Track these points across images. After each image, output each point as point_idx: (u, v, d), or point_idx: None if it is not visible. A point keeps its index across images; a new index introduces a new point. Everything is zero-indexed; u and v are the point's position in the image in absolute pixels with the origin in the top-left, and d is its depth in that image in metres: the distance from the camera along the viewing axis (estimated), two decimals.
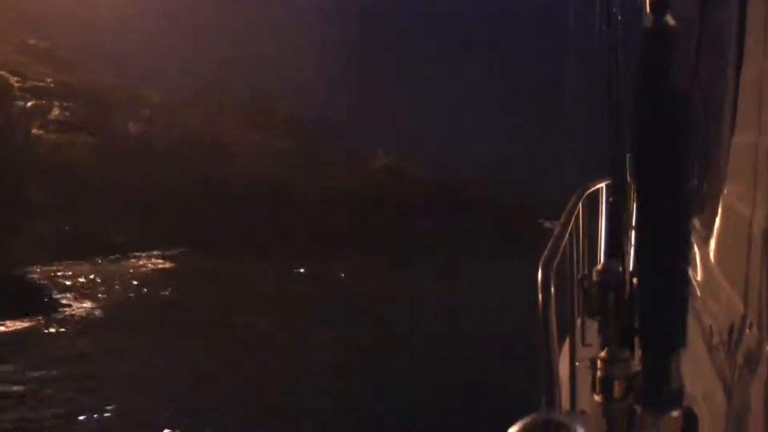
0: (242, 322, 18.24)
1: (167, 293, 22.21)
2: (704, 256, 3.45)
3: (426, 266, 26.90)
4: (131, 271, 25.28)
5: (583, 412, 3.18)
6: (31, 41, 35.70)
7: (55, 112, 31.19)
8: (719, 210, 3.27)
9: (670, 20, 2.05)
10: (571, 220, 3.51)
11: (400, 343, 16.00)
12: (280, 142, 36.85)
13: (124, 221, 27.68)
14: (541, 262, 2.28)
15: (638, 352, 2.16)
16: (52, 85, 32.78)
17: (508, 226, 32.47)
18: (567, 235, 3.05)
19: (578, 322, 4.71)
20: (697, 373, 2.67)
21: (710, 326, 2.93)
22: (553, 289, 2.10)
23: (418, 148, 37.53)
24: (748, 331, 2.30)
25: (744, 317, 2.38)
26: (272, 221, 30.84)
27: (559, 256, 2.52)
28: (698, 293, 3.33)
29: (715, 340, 2.81)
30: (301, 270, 26.37)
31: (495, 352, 14.14)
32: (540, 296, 2.08)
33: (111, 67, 37.07)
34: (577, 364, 3.74)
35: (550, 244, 2.56)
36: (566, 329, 4.18)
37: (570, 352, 3.97)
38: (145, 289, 22.64)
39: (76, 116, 31.64)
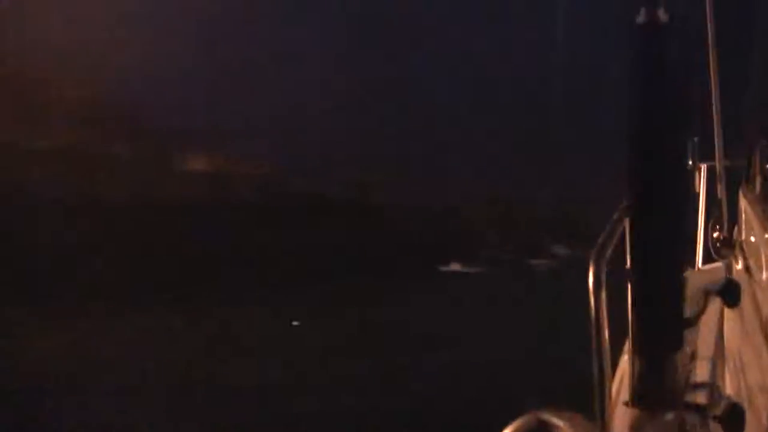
0: None
1: None
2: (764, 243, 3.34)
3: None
4: None
5: None
6: None
7: None
8: None
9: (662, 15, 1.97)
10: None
11: None
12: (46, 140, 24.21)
13: None
14: (593, 254, 1.91)
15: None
16: None
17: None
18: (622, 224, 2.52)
19: None
20: (755, 363, 2.72)
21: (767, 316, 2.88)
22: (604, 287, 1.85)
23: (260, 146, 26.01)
24: None
25: None
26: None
27: (612, 246, 2.07)
28: (761, 283, 3.25)
29: None
30: None
31: None
32: (592, 296, 1.82)
33: None
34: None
35: (604, 232, 2.12)
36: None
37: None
38: None
39: None
